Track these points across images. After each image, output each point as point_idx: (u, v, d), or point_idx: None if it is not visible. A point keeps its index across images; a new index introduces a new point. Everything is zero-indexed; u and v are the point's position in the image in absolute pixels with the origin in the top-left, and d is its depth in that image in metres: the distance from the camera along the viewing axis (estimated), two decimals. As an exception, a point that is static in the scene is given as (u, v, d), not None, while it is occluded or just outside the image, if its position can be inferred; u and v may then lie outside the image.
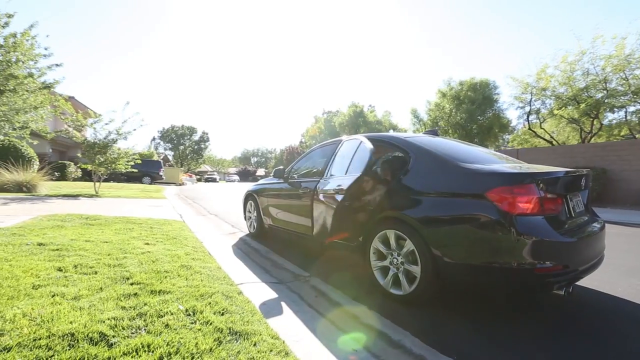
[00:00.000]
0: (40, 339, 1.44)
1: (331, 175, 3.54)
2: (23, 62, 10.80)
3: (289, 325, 2.07)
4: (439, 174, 2.49)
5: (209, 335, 1.62)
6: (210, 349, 1.51)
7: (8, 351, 1.34)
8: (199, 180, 43.54)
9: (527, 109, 14.42)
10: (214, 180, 46.47)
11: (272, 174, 4.72)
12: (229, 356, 1.48)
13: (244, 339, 1.66)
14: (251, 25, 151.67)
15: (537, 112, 14.33)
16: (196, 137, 54.77)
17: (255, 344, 1.63)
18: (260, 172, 71.30)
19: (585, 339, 2.03)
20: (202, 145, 55.79)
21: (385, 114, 27.50)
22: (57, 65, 11.86)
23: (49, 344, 1.41)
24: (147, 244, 3.53)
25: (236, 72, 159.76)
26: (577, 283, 2.63)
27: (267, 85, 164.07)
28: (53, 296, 1.91)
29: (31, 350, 1.37)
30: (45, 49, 11.67)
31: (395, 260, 2.60)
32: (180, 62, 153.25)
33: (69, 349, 1.39)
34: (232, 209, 8.42)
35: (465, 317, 2.30)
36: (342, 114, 27.28)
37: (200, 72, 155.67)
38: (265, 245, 4.42)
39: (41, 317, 1.63)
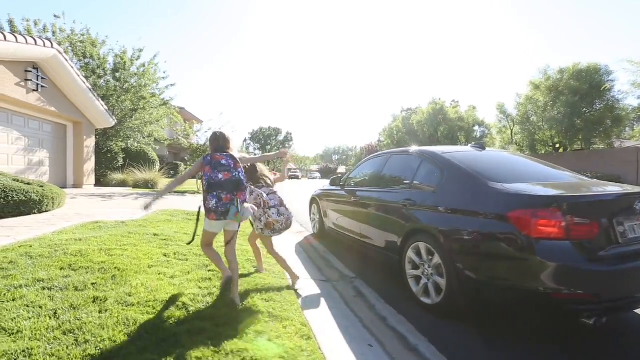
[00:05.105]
0: (149, 301, 2.21)
1: (379, 185, 3.84)
2: (149, 85, 13.64)
3: (320, 318, 2.50)
4: (466, 192, 2.60)
5: (252, 315, 2.19)
6: (251, 324, 2.06)
7: (132, 306, 2.13)
8: (283, 177, 46.99)
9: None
10: (296, 177, 49.61)
11: (329, 182, 5.21)
12: (263, 330, 2.01)
13: (278, 322, 2.17)
14: (331, 25, 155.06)
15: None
16: (281, 137, 59.41)
17: (285, 327, 2.12)
18: (342, 169, 72.76)
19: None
20: (287, 145, 60.13)
21: (469, 109, 25.32)
22: (171, 85, 14.64)
23: (153, 305, 2.17)
24: (227, 238, 4.39)
25: (318, 71, 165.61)
26: None
27: (348, 83, 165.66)
28: (159, 274, 2.75)
29: (144, 307, 2.13)
30: (164, 72, 14.49)
31: (426, 271, 2.79)
32: (266, 65, 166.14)
33: (164, 310, 2.12)
34: (304, 209, 9.18)
35: (487, 333, 2.38)
36: (420, 111, 26.17)
37: (285, 74, 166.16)
38: (325, 246, 4.92)
39: (151, 288, 2.44)
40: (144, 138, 15.15)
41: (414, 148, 3.55)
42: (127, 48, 13.47)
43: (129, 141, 14.51)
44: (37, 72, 8.52)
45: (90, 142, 11.42)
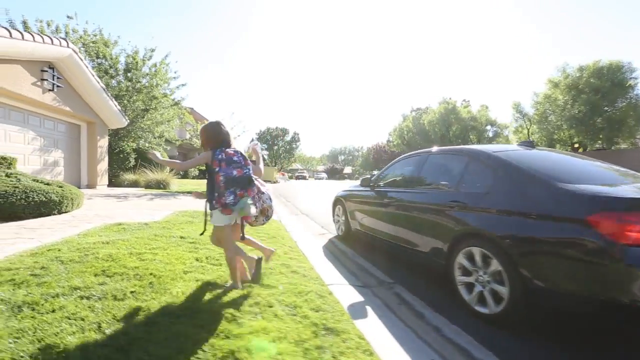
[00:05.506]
0: (195, 312, 2.05)
1: (418, 186, 3.64)
2: (160, 85, 13.57)
3: (373, 329, 2.32)
4: (530, 193, 2.39)
5: (307, 328, 2.01)
6: (309, 338, 1.88)
7: (179, 318, 1.96)
8: (290, 177, 47.11)
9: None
10: (304, 178, 49.65)
11: (359, 182, 5.02)
12: (323, 345, 1.83)
13: (335, 335, 1.99)
14: (339, 25, 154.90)
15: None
16: (288, 138, 59.30)
17: (344, 341, 1.94)
18: (348, 170, 72.54)
19: None
20: (294, 145, 60.02)
21: (481, 108, 24.92)
22: (182, 85, 14.56)
23: (200, 316, 2.01)
24: (254, 241, 4.23)
25: (325, 72, 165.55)
26: None
27: (355, 84, 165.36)
28: (197, 281, 2.59)
29: (191, 319, 1.97)
30: (175, 72, 14.41)
31: (480, 277, 2.59)
32: (273, 65, 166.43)
33: (214, 322, 1.95)
34: (321, 210, 9.01)
35: (557, 343, 2.18)
36: (432, 111, 25.83)
37: (292, 74, 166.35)
38: (352, 248, 4.73)
39: (193, 297, 2.28)
40: (155, 138, 15.11)
41: (458, 147, 3.36)
42: (139, 48, 13.43)
43: (140, 141, 14.46)
44: (53, 72, 8.46)
45: (103, 142, 11.37)
